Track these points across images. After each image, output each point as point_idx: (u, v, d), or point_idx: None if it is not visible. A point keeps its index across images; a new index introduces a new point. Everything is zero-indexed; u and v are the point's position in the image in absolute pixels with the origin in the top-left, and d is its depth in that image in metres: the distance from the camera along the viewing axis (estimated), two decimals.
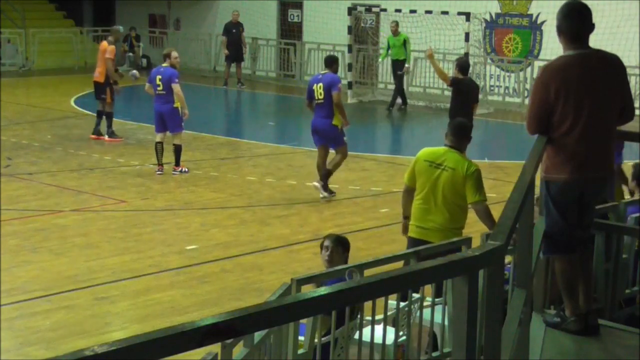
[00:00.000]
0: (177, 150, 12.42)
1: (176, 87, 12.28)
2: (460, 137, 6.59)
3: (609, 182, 5.05)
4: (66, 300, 7.62)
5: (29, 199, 11.02)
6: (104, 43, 14.76)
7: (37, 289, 7.84)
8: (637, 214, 5.88)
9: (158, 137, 12.45)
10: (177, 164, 12.47)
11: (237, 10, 22.55)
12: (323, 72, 11.16)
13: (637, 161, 7.07)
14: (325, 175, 11.13)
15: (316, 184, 11.14)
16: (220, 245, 9.30)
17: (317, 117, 11.06)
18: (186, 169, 12.52)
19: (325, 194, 11.08)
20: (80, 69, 25.01)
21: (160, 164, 12.40)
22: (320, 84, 10.94)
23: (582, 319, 4.67)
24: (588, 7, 4.63)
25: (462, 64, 11.76)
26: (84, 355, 1.86)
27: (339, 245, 5.71)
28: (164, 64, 12.48)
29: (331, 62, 11.37)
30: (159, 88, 12.28)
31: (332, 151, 11.35)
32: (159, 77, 12.29)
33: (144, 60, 25.64)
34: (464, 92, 11.31)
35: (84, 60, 25.59)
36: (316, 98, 10.96)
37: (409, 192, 6.66)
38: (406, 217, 6.71)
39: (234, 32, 22.17)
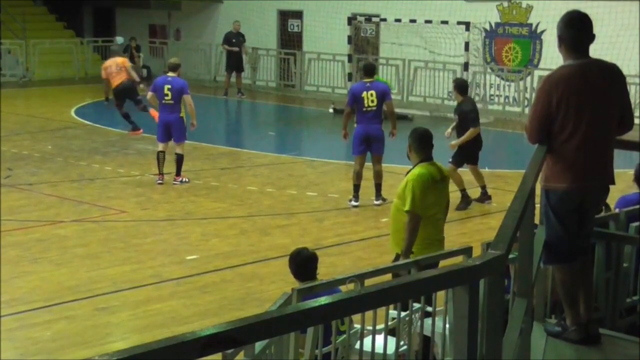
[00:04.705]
0: (179, 160, 12.44)
1: (189, 98, 12.36)
2: (431, 146, 6.76)
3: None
4: (67, 311, 7.61)
5: (29, 209, 11.02)
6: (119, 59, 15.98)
7: (37, 300, 7.84)
8: (638, 223, 5.87)
9: (160, 146, 12.47)
10: (178, 173, 12.48)
11: (238, 21, 22.60)
12: (367, 80, 11.23)
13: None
14: (379, 189, 11.34)
15: (376, 202, 11.30)
16: (220, 255, 9.30)
17: (368, 124, 11.12)
18: (187, 179, 12.53)
19: (381, 201, 11.27)
20: (80, 80, 25.04)
21: (161, 173, 12.42)
22: (372, 92, 11.08)
23: (583, 328, 4.67)
24: (589, 17, 4.65)
25: (461, 84, 11.57)
26: None
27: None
28: (171, 74, 12.46)
29: (373, 71, 11.68)
30: (166, 97, 12.27)
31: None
32: (167, 86, 12.27)
33: (145, 71, 25.66)
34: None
35: (84, 71, 25.63)
36: (367, 106, 11.06)
37: (419, 221, 6.48)
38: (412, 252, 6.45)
39: (234, 42, 22.22)
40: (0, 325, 7.12)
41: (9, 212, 10.70)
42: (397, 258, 6.63)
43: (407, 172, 6.77)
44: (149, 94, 12.51)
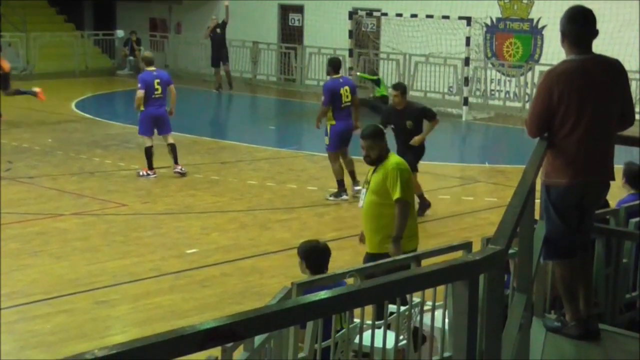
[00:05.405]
0: (175, 148, 12.58)
1: (173, 88, 12.62)
2: None
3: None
4: (66, 304, 7.62)
5: (29, 202, 11.03)
6: None
7: (37, 293, 7.84)
8: (638, 219, 5.87)
9: (150, 141, 12.49)
10: (177, 161, 12.56)
11: (215, 16, 22.58)
12: (337, 76, 11.33)
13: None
14: (354, 175, 11.36)
15: (357, 187, 11.05)
16: (220, 249, 9.30)
17: (347, 120, 11.22)
18: (184, 169, 12.61)
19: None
20: (81, 73, 25.03)
21: (152, 168, 12.46)
22: (347, 87, 11.20)
23: (582, 324, 4.67)
24: (592, 12, 4.64)
25: (405, 87, 10.72)
26: (84, 358, 1.86)
27: (297, 254, 5.67)
28: (151, 68, 12.54)
29: (340, 65, 11.73)
30: (157, 92, 12.34)
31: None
32: (157, 80, 12.36)
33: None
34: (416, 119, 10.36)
35: (85, 64, 25.61)
36: (344, 102, 11.14)
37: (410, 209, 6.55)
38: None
39: (218, 32, 22.21)
40: (0, 319, 7.11)
41: (9, 205, 10.70)
42: (369, 259, 6.40)
43: (376, 168, 6.58)
44: (141, 92, 12.27)
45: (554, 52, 17.88)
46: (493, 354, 2.95)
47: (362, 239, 6.86)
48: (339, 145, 11.25)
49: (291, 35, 24.17)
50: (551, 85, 4.56)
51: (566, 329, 4.69)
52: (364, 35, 22.31)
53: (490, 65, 20.61)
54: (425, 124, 10.38)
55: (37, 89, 16.91)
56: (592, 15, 4.62)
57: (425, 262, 5.12)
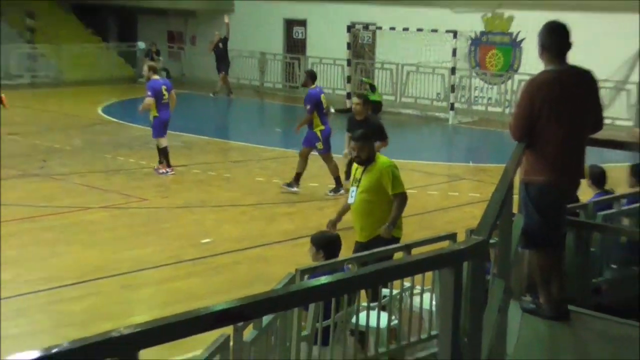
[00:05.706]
0: None
1: (174, 94, 12.63)
2: None
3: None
4: (96, 288, 7.65)
5: (62, 197, 11.05)
6: None
7: (70, 277, 7.88)
8: (605, 212, 5.90)
9: (165, 141, 12.49)
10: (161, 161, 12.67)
11: (218, 32, 22.59)
12: (313, 86, 11.48)
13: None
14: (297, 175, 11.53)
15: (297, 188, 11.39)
16: (232, 239, 9.32)
17: (328, 124, 11.36)
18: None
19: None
20: (106, 81, 25.01)
21: (170, 166, 12.47)
22: (323, 95, 11.42)
23: (555, 306, 4.70)
24: (567, 26, 4.68)
25: (364, 97, 10.07)
26: (111, 335, 1.89)
27: (312, 244, 5.66)
28: (157, 76, 12.53)
29: (316, 76, 11.91)
30: (164, 97, 12.32)
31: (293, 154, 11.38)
32: (164, 87, 12.36)
33: (164, 73, 25.61)
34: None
35: (110, 73, 25.60)
36: (325, 107, 11.36)
37: None
38: None
39: (220, 47, 22.29)
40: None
41: (44, 199, 10.76)
42: (360, 247, 6.39)
43: (366, 168, 6.57)
44: (151, 100, 12.12)
45: (532, 63, 17.82)
46: (475, 332, 2.97)
47: (330, 225, 7.05)
48: (330, 146, 11.37)
49: (295, 46, 24.17)
50: (533, 94, 4.59)
51: (540, 310, 4.71)
52: (361, 46, 22.29)
53: (474, 74, 20.60)
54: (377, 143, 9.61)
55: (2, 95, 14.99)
56: (567, 28, 4.65)
57: (415, 251, 5.14)
